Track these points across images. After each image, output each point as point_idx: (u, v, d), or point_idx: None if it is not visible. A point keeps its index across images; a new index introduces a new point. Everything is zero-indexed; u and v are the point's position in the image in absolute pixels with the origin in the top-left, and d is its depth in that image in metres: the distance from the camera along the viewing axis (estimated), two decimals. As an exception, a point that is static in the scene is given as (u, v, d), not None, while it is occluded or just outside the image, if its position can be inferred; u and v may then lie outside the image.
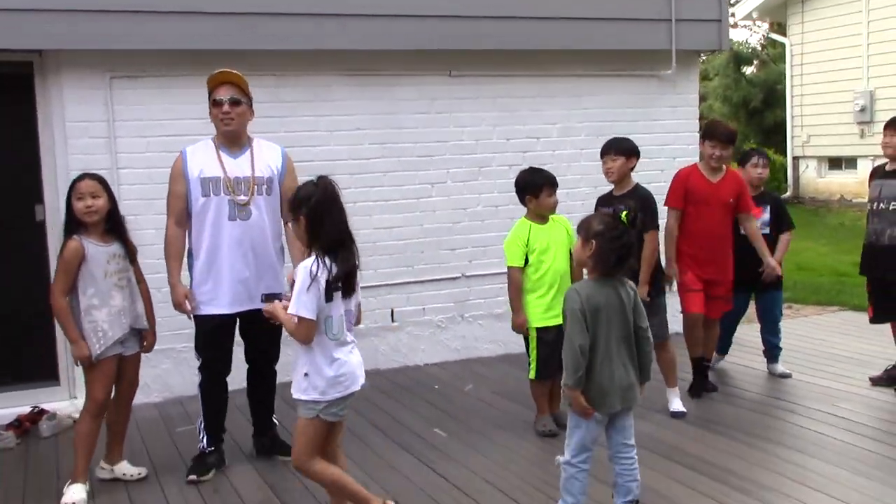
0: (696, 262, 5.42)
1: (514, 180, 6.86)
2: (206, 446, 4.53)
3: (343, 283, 3.51)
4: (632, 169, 5.19)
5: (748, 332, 6.45)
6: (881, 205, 5.48)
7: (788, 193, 16.14)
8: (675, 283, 5.50)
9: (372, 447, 4.85)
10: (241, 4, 5.77)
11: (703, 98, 8.10)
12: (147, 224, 5.78)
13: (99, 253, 4.15)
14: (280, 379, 4.77)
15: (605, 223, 3.54)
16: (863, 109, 14.77)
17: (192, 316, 4.52)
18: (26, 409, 5.37)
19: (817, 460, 4.43)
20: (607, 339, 3.52)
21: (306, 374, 3.51)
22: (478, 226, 6.73)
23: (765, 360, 6.11)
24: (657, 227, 5.12)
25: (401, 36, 6.20)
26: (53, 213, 5.55)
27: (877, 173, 5.69)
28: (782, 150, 16.76)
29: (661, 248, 5.37)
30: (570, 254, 4.80)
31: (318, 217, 3.46)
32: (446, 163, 6.59)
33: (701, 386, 5.56)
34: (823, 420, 5.04)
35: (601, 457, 3.84)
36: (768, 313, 6.02)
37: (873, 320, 5.77)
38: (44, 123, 5.67)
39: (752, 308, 6.14)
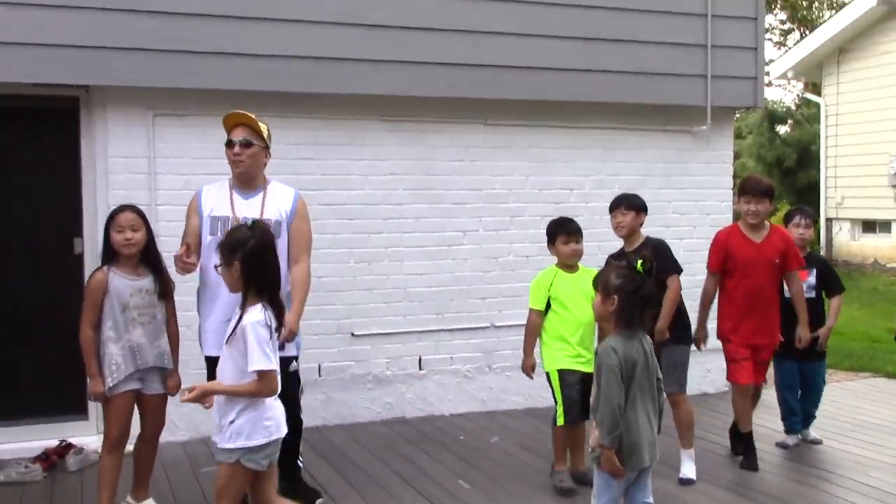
0: (741, 328, 5.21)
1: (545, 232, 6.91)
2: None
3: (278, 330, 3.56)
4: (641, 224, 5.15)
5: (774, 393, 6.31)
6: None
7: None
8: (703, 346, 5.38)
9: (394, 496, 4.79)
10: (283, 47, 5.87)
11: (736, 156, 8.08)
12: (181, 261, 5.84)
13: (124, 286, 4.14)
14: (315, 423, 4.72)
15: (623, 276, 3.49)
16: (899, 172, 14.66)
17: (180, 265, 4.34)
18: (54, 443, 5.39)
19: (851, 529, 4.31)
20: (638, 394, 3.48)
21: (232, 421, 3.46)
22: (508, 275, 6.71)
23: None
24: (679, 271, 5.05)
25: (437, 83, 6.27)
26: (92, 246, 5.62)
27: None
28: (815, 212, 16.64)
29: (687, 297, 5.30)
30: None
31: (256, 263, 3.46)
32: (479, 211, 6.61)
33: (753, 459, 5.27)
34: (855, 489, 4.91)
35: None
36: (809, 382, 5.75)
37: None
38: (87, 157, 5.78)
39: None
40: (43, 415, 5.67)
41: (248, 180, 4.44)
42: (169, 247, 5.80)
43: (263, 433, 3.48)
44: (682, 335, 5.09)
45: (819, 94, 17.03)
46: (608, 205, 6.89)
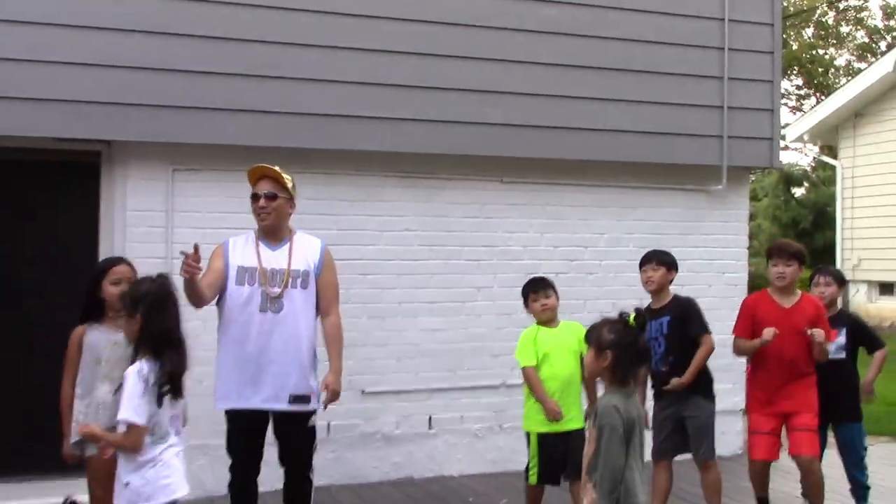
0: (767, 397, 5.05)
1: (559, 289, 6.86)
2: (234, 548, 4.37)
3: (171, 384, 3.47)
4: (671, 281, 5.13)
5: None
6: None
7: (838, 317, 15.83)
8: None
9: (404, 556, 4.69)
10: (299, 104, 5.94)
11: (752, 217, 8.08)
12: (194, 315, 5.79)
13: (101, 340, 4.04)
14: (322, 482, 4.64)
15: (616, 331, 3.41)
16: (916, 234, 14.59)
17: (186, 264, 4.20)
18: (59, 501, 5.32)
19: None
20: (634, 453, 3.41)
21: (127, 484, 3.39)
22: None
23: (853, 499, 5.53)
24: (709, 332, 4.99)
25: (453, 141, 6.32)
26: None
27: None
28: (833, 273, 16.52)
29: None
30: (581, 359, 4.75)
31: (151, 315, 3.46)
32: (493, 268, 6.59)
33: None
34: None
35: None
36: (847, 447, 5.43)
37: None
38: (106, 210, 5.84)
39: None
40: (56, 470, 5.60)
41: (273, 232, 4.45)
42: (182, 300, 5.83)
43: (165, 492, 3.40)
44: (707, 391, 5.02)
45: (835, 156, 17.06)
46: (622, 262, 6.96)
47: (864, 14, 29.83)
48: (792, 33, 28.63)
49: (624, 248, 7.00)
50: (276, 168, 4.48)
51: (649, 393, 5.12)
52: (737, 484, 6.09)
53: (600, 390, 3.69)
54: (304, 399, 4.34)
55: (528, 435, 4.98)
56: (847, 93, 15.99)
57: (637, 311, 3.49)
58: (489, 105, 6.38)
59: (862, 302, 16.05)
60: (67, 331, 4.04)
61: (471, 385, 6.53)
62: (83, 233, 5.83)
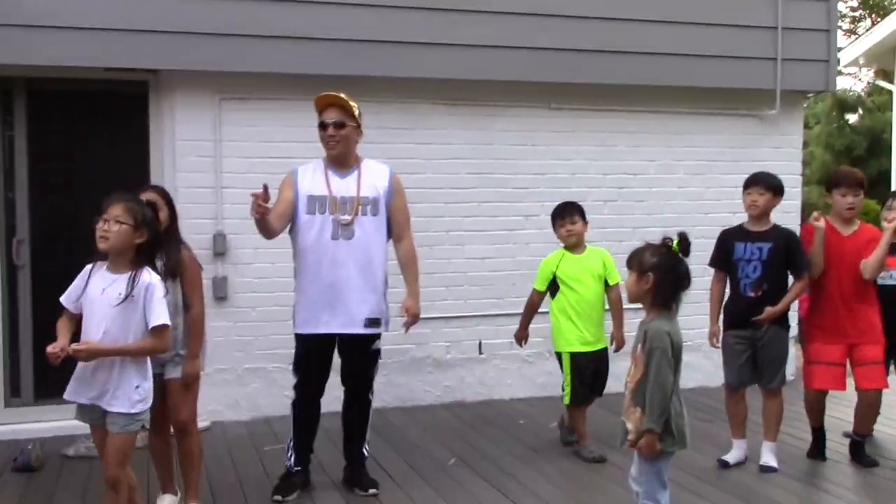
0: (827, 327, 4.96)
1: (608, 217, 6.82)
2: (293, 466, 4.52)
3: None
4: (774, 207, 5.00)
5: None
6: None
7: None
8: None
9: (455, 479, 4.79)
10: (348, 31, 5.89)
11: (804, 145, 7.88)
12: (246, 244, 5.94)
13: None
14: (375, 405, 4.75)
15: (658, 254, 3.39)
16: (975, 160, 14.14)
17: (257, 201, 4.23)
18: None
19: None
20: (678, 379, 3.43)
21: (137, 387, 3.47)
22: (570, 260, 6.64)
23: None
24: (809, 270, 4.89)
25: (502, 67, 6.23)
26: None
27: None
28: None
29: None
30: (606, 284, 5.15)
31: (155, 235, 3.57)
32: (542, 195, 6.54)
33: (819, 451, 5.16)
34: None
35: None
36: None
37: None
38: (155, 141, 5.88)
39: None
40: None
41: (342, 160, 4.45)
42: (233, 229, 5.92)
43: (150, 395, 3.54)
44: (785, 322, 4.97)
45: (891, 81, 16.49)
46: (672, 190, 6.86)
47: (924, -70, 28.50)
48: (848, -49, 27.52)
49: (674, 176, 6.90)
50: (344, 95, 4.43)
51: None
52: (791, 410, 6.06)
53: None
54: (377, 322, 4.42)
55: (559, 356, 5.18)
56: (905, 13, 15.37)
57: (680, 235, 3.46)
58: (537, 30, 6.26)
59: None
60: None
61: (519, 311, 6.53)
62: (134, 163, 5.90)
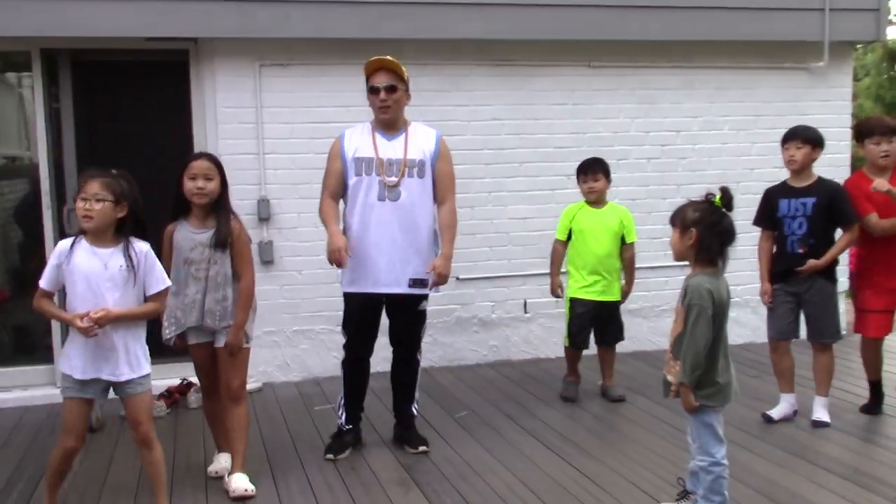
0: (878, 274, 4.91)
1: (651, 175, 6.76)
2: (344, 424, 4.61)
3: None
4: (814, 160, 4.92)
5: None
6: None
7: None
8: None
9: (502, 434, 4.84)
10: (385, -6, 5.87)
11: (854, 97, 7.71)
12: (290, 208, 6.01)
13: (186, 240, 4.00)
14: (423, 364, 4.80)
15: (700, 210, 3.40)
16: None
17: (341, 266, 4.38)
18: (176, 382, 5.64)
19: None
20: (725, 334, 3.44)
21: (142, 348, 3.68)
22: (613, 219, 6.61)
23: None
24: (854, 222, 4.84)
25: (540, 26, 6.16)
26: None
27: None
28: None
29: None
30: (623, 241, 5.39)
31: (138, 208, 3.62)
32: (583, 155, 6.39)
33: (875, 406, 5.10)
34: None
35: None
36: None
37: None
38: (197, 109, 5.95)
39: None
40: (167, 355, 5.90)
41: (391, 124, 4.47)
42: (275, 194, 5.99)
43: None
44: (831, 274, 4.90)
45: (944, 29, 15.99)
46: (716, 147, 6.77)
47: None
48: None
49: (718, 132, 6.80)
50: (393, 59, 4.41)
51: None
52: (844, 366, 6.03)
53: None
54: (422, 283, 4.46)
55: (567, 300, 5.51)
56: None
57: (723, 189, 3.44)
58: (576, -14, 6.18)
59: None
60: (164, 228, 4.08)
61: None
62: (177, 131, 5.97)
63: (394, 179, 4.39)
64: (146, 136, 6.01)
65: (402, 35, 5.92)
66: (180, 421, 5.26)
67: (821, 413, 4.92)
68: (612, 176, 6.57)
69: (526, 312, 6.52)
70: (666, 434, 4.78)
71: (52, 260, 3.58)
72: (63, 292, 3.64)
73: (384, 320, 4.60)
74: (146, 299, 3.64)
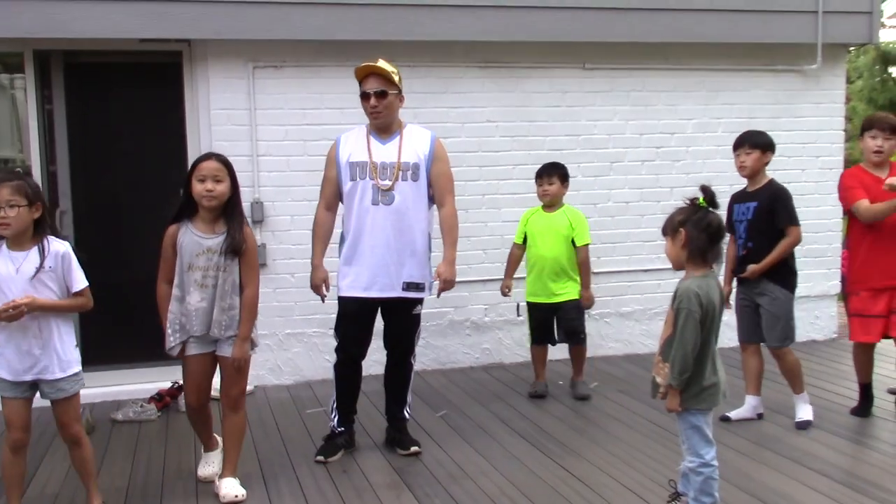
0: (871, 276, 4.88)
1: (645, 177, 6.77)
2: (336, 426, 4.60)
3: None
4: (766, 164, 4.96)
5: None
6: None
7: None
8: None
9: (494, 436, 4.84)
10: (378, -4, 5.87)
11: (847, 99, 7.73)
12: (284, 211, 6.00)
13: (193, 244, 3.84)
14: (416, 367, 4.80)
15: (685, 211, 3.44)
16: None
17: (324, 300, 4.58)
18: (167, 385, 5.63)
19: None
20: (713, 337, 3.45)
21: (77, 346, 3.70)
22: (607, 222, 6.62)
23: None
24: (797, 224, 4.86)
25: (534, 28, 6.16)
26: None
27: None
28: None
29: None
30: (572, 244, 5.47)
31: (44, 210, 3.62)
32: (577, 157, 6.50)
33: (865, 409, 5.10)
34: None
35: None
36: None
37: None
38: (190, 110, 5.93)
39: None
40: (157, 359, 5.90)
41: (385, 127, 4.47)
42: (269, 196, 5.97)
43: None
44: (785, 280, 4.89)
45: (937, 32, 16.03)
46: (710, 149, 6.77)
47: None
48: None
49: (712, 134, 6.80)
50: (382, 64, 4.41)
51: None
52: (835, 368, 6.06)
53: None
54: (417, 287, 4.46)
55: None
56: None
57: (703, 189, 3.47)
58: (570, -12, 6.18)
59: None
60: (159, 229, 3.97)
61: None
62: (171, 133, 5.96)
63: (387, 183, 4.38)
64: (139, 137, 6.00)
65: (396, 37, 5.91)
66: (171, 425, 5.25)
67: (801, 412, 4.94)
68: (606, 178, 6.63)
69: (519, 315, 6.46)
70: (657, 436, 4.78)
71: None
72: None
73: (378, 324, 4.59)
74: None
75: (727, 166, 6.75)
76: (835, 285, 7.04)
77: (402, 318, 4.54)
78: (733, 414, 4.99)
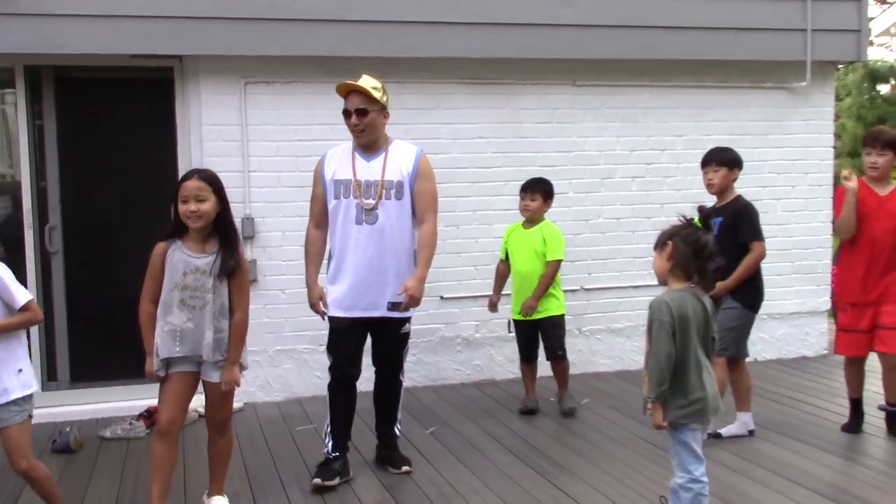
0: (859, 290, 4.90)
1: (636, 193, 6.78)
2: (330, 452, 4.48)
3: None
4: (734, 180, 5.00)
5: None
6: None
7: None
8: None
9: (488, 457, 4.81)
10: (369, 13, 5.87)
11: (835, 116, 7.78)
12: (275, 226, 5.99)
13: (181, 262, 3.70)
14: (406, 384, 4.77)
15: (675, 226, 3.48)
16: None
17: (325, 317, 4.51)
18: (156, 402, 5.57)
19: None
20: (696, 349, 3.43)
21: (21, 371, 3.56)
22: (598, 238, 6.63)
23: None
24: (760, 239, 4.88)
25: (525, 45, 6.18)
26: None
27: None
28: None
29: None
30: (545, 258, 5.47)
31: None
32: (568, 173, 6.51)
33: (855, 425, 5.09)
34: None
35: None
36: None
37: None
38: (182, 126, 5.93)
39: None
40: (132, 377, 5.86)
41: (369, 145, 4.43)
42: (260, 212, 5.96)
43: (33, 379, 3.65)
44: (745, 296, 4.88)
45: (925, 49, 16.18)
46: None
47: None
48: (879, -80, 26.91)
49: (702, 151, 6.65)
50: (365, 81, 4.38)
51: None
52: (825, 385, 6.06)
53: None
54: (401, 306, 4.41)
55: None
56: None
57: (700, 209, 3.52)
58: (560, 5, 6.20)
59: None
60: (149, 246, 3.84)
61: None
62: (162, 149, 5.94)
63: (371, 202, 4.33)
64: (130, 153, 5.98)
65: (388, 53, 5.93)
66: (161, 441, 5.20)
67: (734, 427, 4.98)
68: (597, 195, 6.64)
69: (510, 332, 6.46)
70: (649, 453, 4.76)
71: None
72: None
73: (367, 342, 4.57)
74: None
75: (718, 183, 6.82)
76: (825, 302, 7.05)
77: (391, 336, 4.51)
78: (724, 431, 4.99)
